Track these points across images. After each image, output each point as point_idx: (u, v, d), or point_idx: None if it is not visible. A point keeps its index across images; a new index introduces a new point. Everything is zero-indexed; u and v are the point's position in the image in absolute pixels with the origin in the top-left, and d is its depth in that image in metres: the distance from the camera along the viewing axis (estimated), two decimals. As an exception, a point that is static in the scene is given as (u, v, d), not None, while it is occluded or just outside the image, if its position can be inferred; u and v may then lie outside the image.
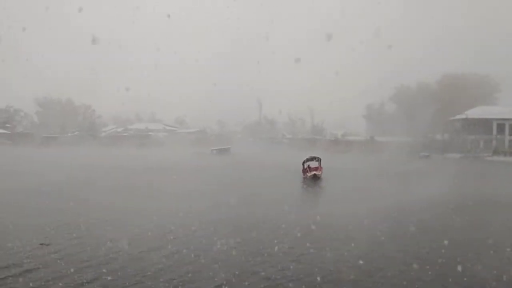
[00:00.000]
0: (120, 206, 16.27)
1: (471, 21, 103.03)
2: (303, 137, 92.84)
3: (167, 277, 8.55)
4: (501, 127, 70.87)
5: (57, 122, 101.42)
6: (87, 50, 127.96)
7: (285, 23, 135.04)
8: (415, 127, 70.32)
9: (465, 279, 8.72)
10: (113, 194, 19.75)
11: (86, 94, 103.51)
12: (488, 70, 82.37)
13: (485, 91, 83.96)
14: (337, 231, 12.60)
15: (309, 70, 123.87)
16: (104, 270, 8.82)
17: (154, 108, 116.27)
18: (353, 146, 75.50)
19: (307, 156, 30.46)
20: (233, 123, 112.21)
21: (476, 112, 72.25)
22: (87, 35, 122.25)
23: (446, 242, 11.50)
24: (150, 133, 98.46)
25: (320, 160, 29.52)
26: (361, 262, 9.57)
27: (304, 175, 28.50)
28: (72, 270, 8.81)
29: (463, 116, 71.93)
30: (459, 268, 9.36)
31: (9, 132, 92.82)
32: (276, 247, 10.73)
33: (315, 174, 27.41)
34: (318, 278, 8.59)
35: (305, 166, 29.36)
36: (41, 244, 10.72)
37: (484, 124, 70.60)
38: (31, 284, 8.08)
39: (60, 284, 8.13)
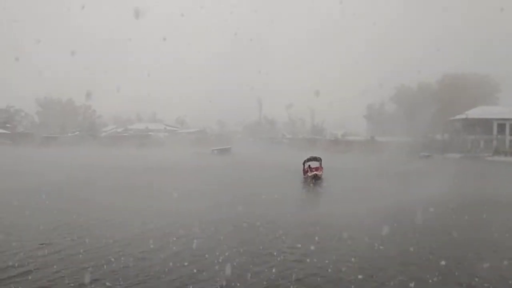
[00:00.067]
0: (120, 206, 16.26)
1: (471, 21, 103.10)
2: (303, 137, 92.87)
3: (169, 277, 8.54)
4: (501, 127, 70.92)
5: (57, 122, 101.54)
6: (87, 50, 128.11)
7: (285, 23, 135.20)
8: (415, 127, 70.35)
9: (466, 279, 8.72)
10: (113, 194, 19.74)
11: (86, 94, 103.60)
12: (488, 70, 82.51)
13: (485, 91, 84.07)
14: (337, 231, 12.57)
15: (309, 70, 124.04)
16: (105, 271, 8.81)
17: (155, 108, 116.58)
18: (353, 146, 75.51)
19: (308, 156, 30.45)
20: (233, 123, 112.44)
21: (477, 112, 72.29)
22: (87, 35, 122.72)
23: (446, 242, 11.54)
24: (150, 133, 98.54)
25: (321, 160, 29.51)
26: (362, 262, 9.57)
27: (304, 175, 28.47)
28: (73, 270, 8.81)
29: (463, 116, 71.94)
30: (460, 268, 9.38)
31: (9, 132, 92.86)
32: (277, 247, 10.73)
33: (315, 174, 27.37)
34: (319, 279, 8.58)
35: (306, 166, 29.34)
36: (41, 244, 10.71)
37: (484, 124, 70.63)
38: (31, 285, 8.07)
39: (62, 285, 8.12)
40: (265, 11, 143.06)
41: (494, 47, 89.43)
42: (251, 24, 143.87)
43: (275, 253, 10.24)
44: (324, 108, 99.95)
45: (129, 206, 16.30)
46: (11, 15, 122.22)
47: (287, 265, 9.39)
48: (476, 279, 8.72)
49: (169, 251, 10.34)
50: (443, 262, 9.67)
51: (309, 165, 29.34)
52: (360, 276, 8.73)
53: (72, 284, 8.13)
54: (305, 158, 29.96)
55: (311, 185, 25.39)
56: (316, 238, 11.73)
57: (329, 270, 9.06)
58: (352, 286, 8.30)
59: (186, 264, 9.32)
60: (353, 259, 9.79)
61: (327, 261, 9.65)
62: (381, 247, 10.85)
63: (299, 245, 10.97)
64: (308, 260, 9.78)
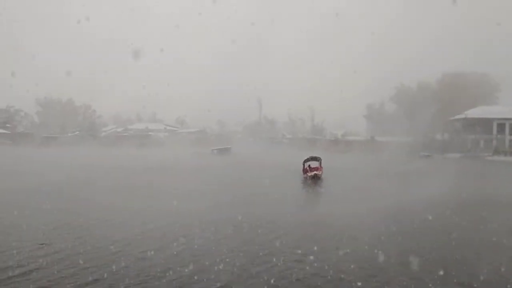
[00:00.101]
0: (120, 207, 16.25)
1: (471, 21, 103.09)
2: (303, 137, 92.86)
3: (170, 277, 8.53)
4: (501, 127, 70.89)
5: (57, 122, 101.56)
6: (87, 50, 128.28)
7: (285, 23, 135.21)
8: (415, 127, 70.38)
9: (466, 279, 8.71)
10: (113, 194, 19.74)
11: (86, 94, 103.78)
12: (488, 70, 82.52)
13: (485, 91, 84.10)
14: (338, 231, 12.58)
15: (309, 70, 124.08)
16: (106, 271, 8.80)
17: (154, 108, 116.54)
18: (353, 146, 75.52)
19: (307, 156, 30.45)
20: (233, 123, 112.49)
21: (476, 112, 72.28)
22: (87, 35, 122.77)
23: (446, 242, 11.54)
24: (150, 133, 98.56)
25: (321, 160, 29.51)
26: (362, 262, 9.58)
27: (304, 175, 28.48)
28: (73, 270, 8.81)
29: (463, 116, 71.94)
30: (461, 268, 9.38)
31: (9, 132, 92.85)
32: (278, 248, 10.72)
33: (315, 174, 27.37)
34: (320, 279, 8.58)
35: (306, 166, 29.35)
36: (41, 244, 10.71)
37: (484, 124, 70.60)
38: (32, 286, 8.06)
39: (62, 285, 8.12)
40: (265, 11, 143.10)
41: (494, 47, 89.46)
42: (251, 24, 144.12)
43: (275, 253, 10.23)
44: (324, 108, 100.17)
45: (129, 206, 16.29)
46: (11, 15, 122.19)
47: (288, 265, 9.39)
48: (477, 279, 8.72)
49: (169, 251, 10.33)
50: (443, 262, 9.68)
51: (309, 165, 29.35)
52: (361, 276, 8.73)
53: (72, 284, 8.12)
54: (305, 158, 29.97)
55: (311, 185, 25.39)
56: (317, 238, 11.73)
57: (330, 270, 9.05)
58: (353, 287, 8.30)
59: (186, 264, 9.31)
60: (353, 259, 9.78)
61: (327, 261, 9.64)
62: (381, 247, 10.83)
63: (300, 245, 10.96)
64: (308, 260, 9.77)
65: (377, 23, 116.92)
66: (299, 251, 10.44)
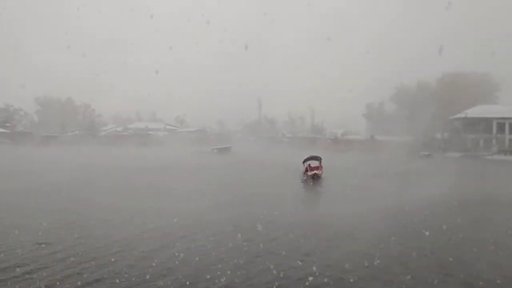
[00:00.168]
0: (121, 207, 16.22)
1: (471, 21, 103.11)
2: (303, 136, 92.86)
3: (170, 278, 8.53)
4: (501, 126, 70.82)
5: (57, 121, 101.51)
6: (87, 50, 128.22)
7: (285, 23, 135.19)
8: (415, 126, 70.30)
9: (467, 278, 8.71)
10: (113, 194, 19.72)
11: (86, 94, 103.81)
12: (488, 70, 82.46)
13: (485, 90, 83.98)
14: (338, 231, 12.58)
15: (309, 70, 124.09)
16: (107, 271, 8.80)
17: (154, 108, 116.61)
18: (353, 145, 75.51)
19: (308, 155, 30.44)
20: (233, 122, 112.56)
21: (476, 111, 72.22)
22: (87, 35, 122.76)
23: (447, 242, 11.53)
24: (150, 132, 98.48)
25: (321, 159, 29.49)
26: (363, 262, 9.57)
27: (304, 174, 28.47)
28: (74, 270, 8.80)
29: (463, 115, 71.90)
30: (461, 267, 9.37)
31: (9, 131, 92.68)
32: (279, 247, 10.71)
33: (315, 173, 27.37)
34: (321, 278, 8.57)
35: (306, 165, 29.34)
36: (42, 244, 10.68)
37: (484, 123, 70.57)
38: (33, 286, 8.05)
39: (63, 285, 8.11)
40: (265, 11, 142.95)
41: (494, 47, 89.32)
42: (251, 24, 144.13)
43: (276, 254, 10.23)
44: (324, 107, 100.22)
45: (129, 206, 16.27)
46: (11, 15, 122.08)
47: (289, 265, 9.38)
48: (477, 279, 8.72)
49: (169, 251, 10.32)
50: (444, 262, 9.68)
51: (309, 164, 29.34)
52: (361, 276, 8.73)
53: (73, 284, 8.11)
54: (305, 157, 29.95)
55: (311, 184, 25.39)
56: (317, 238, 11.73)
57: (331, 270, 9.05)
58: (354, 287, 8.29)
59: (187, 264, 9.31)
60: (354, 259, 9.78)
61: (328, 261, 9.64)
62: (381, 247, 10.84)
63: (300, 245, 10.97)
64: (309, 260, 9.77)
65: (377, 23, 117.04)
66: (300, 251, 10.44)
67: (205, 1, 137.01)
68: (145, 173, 30.81)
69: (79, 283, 8.18)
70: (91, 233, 11.91)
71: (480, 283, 8.56)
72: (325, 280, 8.55)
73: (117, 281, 8.31)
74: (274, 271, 8.95)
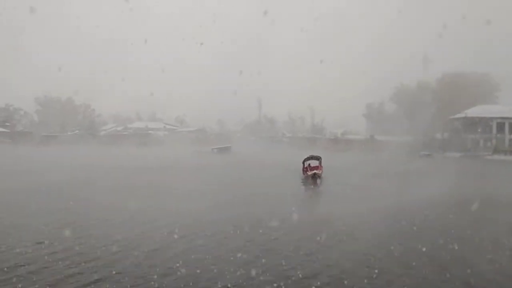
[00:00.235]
0: (121, 206, 16.21)
1: (471, 21, 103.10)
2: (303, 136, 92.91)
3: (171, 278, 8.52)
4: (501, 126, 70.83)
5: (57, 121, 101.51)
6: (87, 50, 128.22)
7: (285, 23, 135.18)
8: (415, 126, 70.34)
9: (468, 278, 8.71)
10: (113, 194, 19.72)
11: (86, 94, 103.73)
12: (488, 70, 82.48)
13: (485, 90, 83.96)
14: (338, 231, 12.58)
15: (309, 70, 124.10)
16: (108, 271, 8.78)
17: (154, 107, 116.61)
18: (353, 145, 75.54)
19: (307, 155, 30.43)
20: (233, 122, 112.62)
21: (476, 111, 72.21)
22: (87, 35, 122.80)
23: (447, 241, 11.51)
24: (150, 132, 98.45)
25: (321, 159, 29.48)
26: (364, 262, 9.59)
27: (304, 174, 28.47)
28: (75, 270, 8.79)
29: (462, 115, 71.89)
30: (462, 267, 9.37)
31: (8, 131, 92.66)
32: (280, 247, 10.71)
33: (315, 173, 27.37)
34: (322, 278, 8.57)
35: (305, 165, 29.34)
36: (42, 244, 10.67)
37: (484, 123, 70.58)
38: (34, 286, 8.04)
39: (65, 285, 8.10)
40: (265, 11, 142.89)
41: (494, 47, 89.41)
42: (251, 24, 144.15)
43: (276, 253, 10.23)
44: (324, 107, 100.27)
45: (129, 206, 16.24)
46: (11, 15, 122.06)
47: (289, 265, 9.38)
48: (478, 278, 8.73)
49: (170, 251, 10.32)
50: (444, 262, 9.68)
51: (309, 164, 29.34)
52: (362, 276, 8.72)
53: (74, 284, 8.11)
54: (305, 157, 29.95)
55: (311, 184, 25.39)
56: (317, 238, 11.71)
57: (331, 270, 9.05)
58: (355, 287, 8.29)
59: (188, 264, 9.29)
60: (354, 259, 9.79)
61: (329, 261, 9.64)
62: (382, 247, 10.84)
63: (300, 245, 10.96)
64: (309, 260, 9.77)
65: (377, 23, 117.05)
66: (300, 251, 10.44)
67: (205, 1, 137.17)
68: (145, 173, 30.81)
69: (80, 283, 8.17)
70: (92, 233, 11.90)
71: (481, 282, 8.57)
72: (326, 280, 8.55)
73: (119, 281, 8.30)
74: (275, 271, 8.95)
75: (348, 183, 26.19)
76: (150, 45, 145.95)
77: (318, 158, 29.42)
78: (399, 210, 16.40)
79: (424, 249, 10.76)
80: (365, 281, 8.52)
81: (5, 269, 8.86)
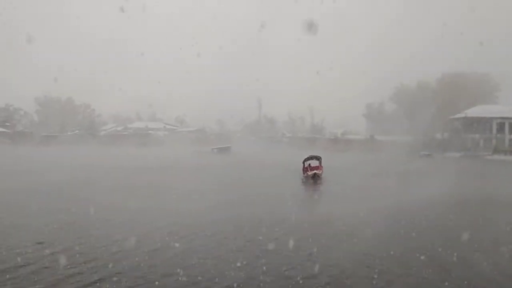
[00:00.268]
0: (121, 206, 16.23)
1: (471, 21, 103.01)
2: (303, 136, 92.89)
3: (173, 278, 8.51)
4: (501, 126, 70.82)
5: (56, 121, 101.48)
6: (87, 50, 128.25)
7: (285, 23, 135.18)
8: (415, 126, 70.33)
9: (468, 278, 8.72)
10: (114, 194, 19.70)
11: (86, 94, 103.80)
12: (488, 70, 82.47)
13: (485, 90, 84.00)
14: (339, 231, 12.58)
15: (309, 70, 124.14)
16: (108, 271, 8.78)
17: (154, 107, 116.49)
18: (353, 145, 75.52)
19: (308, 155, 30.42)
20: (233, 122, 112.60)
21: (476, 111, 72.21)
22: (87, 35, 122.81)
23: (448, 241, 11.53)
24: (150, 132, 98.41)
25: (321, 159, 29.47)
26: (365, 262, 9.58)
27: (304, 174, 28.47)
28: (76, 271, 8.77)
29: (463, 114, 71.89)
30: (463, 266, 9.38)
31: (8, 131, 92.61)
32: (281, 248, 10.71)
33: (315, 173, 27.37)
34: (323, 278, 8.58)
35: (305, 165, 29.33)
36: (42, 244, 10.66)
37: (484, 123, 70.57)
38: (35, 286, 8.04)
39: (66, 285, 8.09)
40: (265, 11, 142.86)
41: (494, 47, 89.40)
42: (251, 24, 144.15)
43: (277, 254, 10.22)
44: (324, 107, 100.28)
45: (130, 206, 16.28)
46: (11, 15, 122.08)
47: (290, 265, 9.38)
48: (478, 278, 8.73)
49: (171, 251, 10.31)
50: (444, 261, 9.69)
51: (309, 164, 29.33)
52: (363, 276, 8.73)
53: (76, 285, 8.10)
54: (305, 157, 29.94)
55: (311, 184, 25.38)
56: (318, 238, 11.72)
57: (332, 270, 9.05)
58: (356, 287, 8.29)
59: (189, 264, 9.29)
60: (355, 259, 9.79)
61: (329, 261, 9.64)
62: (382, 247, 10.84)
63: (300, 245, 10.95)
64: (310, 260, 9.77)
65: (377, 23, 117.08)
66: (301, 251, 10.43)
67: (205, 1, 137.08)
68: (145, 173, 30.81)
69: (81, 283, 8.16)
70: (92, 233, 11.89)
71: (481, 282, 8.57)
72: (327, 280, 8.55)
73: (121, 281, 8.29)
74: (276, 272, 8.95)
75: (348, 183, 26.20)
76: (150, 45, 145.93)
77: (318, 158, 29.41)
78: (399, 210, 16.41)
79: (424, 249, 10.77)
80: (365, 281, 8.53)
81: (6, 269, 8.86)
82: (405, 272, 9.00)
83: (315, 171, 27.71)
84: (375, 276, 8.73)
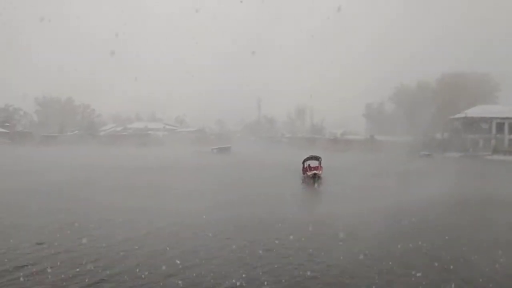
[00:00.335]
0: (121, 206, 16.21)
1: (471, 21, 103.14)
2: (302, 136, 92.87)
3: (175, 278, 8.50)
4: (500, 126, 70.84)
5: (56, 121, 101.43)
6: (87, 50, 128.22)
7: (285, 23, 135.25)
8: (415, 126, 70.33)
9: (469, 277, 8.73)
10: (114, 194, 19.69)
11: (86, 94, 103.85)
12: (488, 70, 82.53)
13: (485, 90, 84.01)
14: (339, 231, 12.55)
15: (309, 70, 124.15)
16: (109, 272, 8.77)
17: (154, 108, 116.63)
18: (352, 145, 75.52)
19: (307, 155, 30.42)
20: (233, 122, 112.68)
21: (476, 111, 72.24)
22: (87, 35, 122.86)
23: (448, 241, 11.53)
24: (149, 132, 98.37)
25: (320, 159, 29.47)
26: (366, 262, 9.59)
27: (304, 174, 28.47)
28: (77, 271, 8.76)
29: (462, 115, 71.92)
30: (463, 266, 9.38)
31: (8, 131, 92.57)
32: (281, 248, 10.71)
33: (315, 173, 27.36)
34: (324, 278, 8.58)
35: (305, 165, 29.33)
36: (43, 245, 10.66)
37: (483, 123, 70.59)
38: (38, 287, 8.03)
39: (67, 286, 8.08)
40: (265, 11, 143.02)
41: (494, 47, 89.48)
42: (251, 24, 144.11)
43: (278, 254, 10.23)
44: (324, 107, 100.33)
45: (130, 206, 16.26)
46: (11, 15, 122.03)
47: (291, 265, 9.38)
48: (478, 278, 8.74)
49: (172, 252, 10.29)
50: (444, 261, 9.69)
51: (309, 164, 29.32)
52: (363, 277, 8.73)
53: (78, 285, 8.09)
54: (305, 157, 29.94)
55: (311, 184, 25.38)
56: (318, 238, 11.73)
57: (333, 270, 9.05)
58: (356, 286, 8.29)
59: (191, 265, 9.28)
60: (356, 259, 9.78)
61: (330, 261, 9.65)
62: (382, 247, 10.85)
63: (301, 246, 10.96)
64: (310, 260, 9.77)
65: (377, 23, 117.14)
66: (301, 252, 10.44)
67: (205, 1, 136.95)
68: (145, 173, 30.81)
69: (82, 284, 8.15)
70: (93, 234, 11.87)
71: (481, 282, 8.57)
72: (327, 280, 8.55)
73: (123, 281, 8.29)
74: (277, 272, 8.95)
75: (348, 183, 26.21)
76: (150, 45, 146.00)
77: (318, 159, 29.40)
78: (399, 210, 16.41)
79: (424, 249, 10.78)
80: (366, 281, 8.52)
81: (6, 270, 8.84)
82: (405, 272, 9.00)
83: (314, 171, 27.70)
84: (376, 276, 8.73)
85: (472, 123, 69.84)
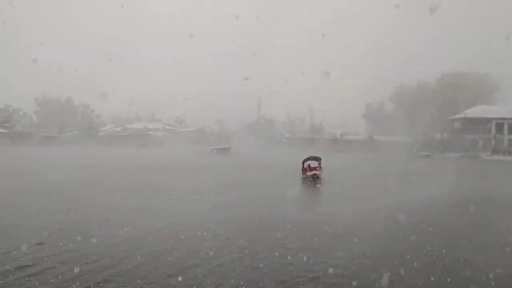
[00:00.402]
0: (121, 206, 16.22)
1: (471, 21, 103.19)
2: (302, 136, 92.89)
3: (177, 279, 8.50)
4: (499, 126, 70.88)
5: (56, 122, 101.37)
6: (87, 50, 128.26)
7: (285, 23, 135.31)
8: (414, 126, 70.36)
9: (469, 277, 8.73)
10: (114, 194, 19.68)
11: (86, 94, 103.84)
12: (488, 70, 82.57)
13: (484, 90, 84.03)
14: (339, 231, 12.59)
15: (309, 70, 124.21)
16: (110, 273, 8.78)
17: (154, 108, 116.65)
18: (352, 146, 75.56)
19: (307, 156, 30.43)
20: (233, 122, 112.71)
21: (476, 111, 72.27)
22: (87, 35, 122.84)
23: (448, 241, 11.54)
24: (149, 132, 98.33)
25: (320, 159, 29.48)
26: (366, 262, 9.60)
27: (303, 174, 28.48)
28: (77, 272, 8.74)
29: (462, 115, 71.94)
30: (463, 266, 9.39)
31: (8, 131, 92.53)
32: (282, 248, 10.72)
33: (315, 174, 27.40)
34: (325, 278, 8.59)
35: (305, 166, 29.34)
36: (42, 244, 10.66)
37: (483, 123, 70.63)
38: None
39: (69, 286, 8.09)
40: (265, 11, 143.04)
41: (494, 47, 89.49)
42: (251, 24, 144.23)
43: (278, 254, 10.23)
44: (323, 108, 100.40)
45: (130, 206, 16.27)
46: (11, 15, 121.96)
47: (291, 265, 9.39)
48: (478, 277, 8.75)
49: (173, 252, 10.30)
50: (445, 261, 9.70)
51: (309, 165, 29.33)
52: (364, 277, 8.74)
53: (80, 285, 8.09)
54: (305, 158, 29.95)
55: (311, 184, 25.39)
56: (318, 238, 11.73)
57: (333, 270, 9.06)
58: (357, 286, 8.30)
59: (192, 266, 9.28)
60: (356, 259, 9.80)
61: (330, 261, 9.65)
62: (383, 247, 10.86)
63: (302, 246, 10.97)
64: (311, 260, 9.77)
65: (377, 23, 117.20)
66: (301, 252, 10.43)
67: (205, 1, 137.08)
68: (145, 173, 30.81)
69: (83, 285, 8.14)
70: (93, 234, 11.85)
71: (481, 282, 8.58)
72: (328, 280, 8.56)
73: (125, 282, 8.28)
74: (277, 272, 8.96)
75: (347, 183, 26.23)
76: (150, 45, 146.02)
77: (317, 159, 29.40)
78: (399, 210, 16.36)
79: (424, 249, 10.79)
80: (366, 281, 8.53)
81: (6, 271, 8.83)
82: (405, 272, 9.01)
83: (314, 171, 27.73)
84: (376, 276, 8.73)
85: (471, 124, 69.84)
